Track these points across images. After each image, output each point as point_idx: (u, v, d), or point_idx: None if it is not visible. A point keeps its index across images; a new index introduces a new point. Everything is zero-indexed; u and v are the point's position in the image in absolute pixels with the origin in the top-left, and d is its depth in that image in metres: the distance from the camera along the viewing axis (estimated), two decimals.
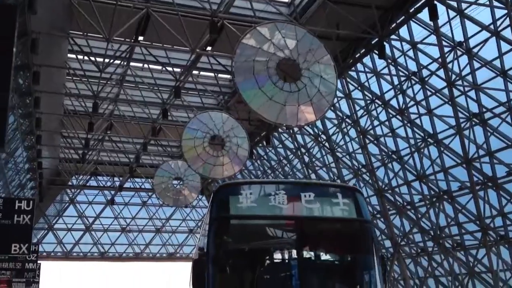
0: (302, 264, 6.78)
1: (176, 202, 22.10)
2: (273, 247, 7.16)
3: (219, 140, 16.19)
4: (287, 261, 7.08)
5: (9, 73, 7.12)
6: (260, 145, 26.78)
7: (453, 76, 16.92)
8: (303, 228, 6.99)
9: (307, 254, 7.12)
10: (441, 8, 15.19)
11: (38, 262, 27.68)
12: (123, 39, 18.22)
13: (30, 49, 14.86)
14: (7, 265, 23.36)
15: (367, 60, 19.32)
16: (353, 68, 19.92)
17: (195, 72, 21.20)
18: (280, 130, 25.26)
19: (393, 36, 17.42)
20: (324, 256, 7.53)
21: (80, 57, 20.07)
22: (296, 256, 6.90)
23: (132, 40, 18.01)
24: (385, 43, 16.09)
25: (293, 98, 10.63)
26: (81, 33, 16.91)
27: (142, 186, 37.85)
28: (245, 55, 10.63)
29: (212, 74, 21.81)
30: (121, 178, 32.79)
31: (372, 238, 7.27)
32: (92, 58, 19.00)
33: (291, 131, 23.79)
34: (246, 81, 10.46)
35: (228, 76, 22.28)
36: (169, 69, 19.85)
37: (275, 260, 7.25)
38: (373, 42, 17.27)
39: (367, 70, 19.78)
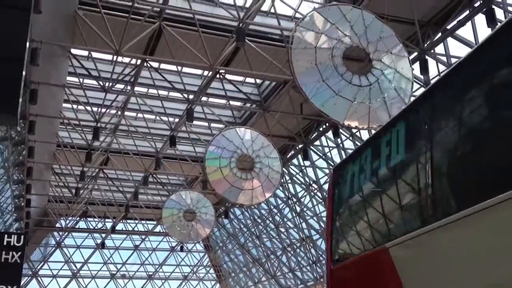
0: None
1: (186, 237, 19.86)
2: None
3: (249, 160, 14.20)
4: None
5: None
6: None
7: None
8: None
9: None
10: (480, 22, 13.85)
11: None
12: (129, 59, 16.87)
13: (30, 61, 13.10)
14: None
15: None
16: None
17: (204, 98, 19.61)
18: None
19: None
20: None
21: (80, 80, 18.35)
22: None
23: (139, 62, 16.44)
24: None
25: (363, 94, 8.95)
26: (85, 48, 15.43)
27: (136, 229, 35.45)
28: (305, 42, 8.95)
29: (222, 101, 20.25)
30: (114, 219, 30.48)
31: None
32: (95, 82, 17.38)
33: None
34: (306, 72, 8.76)
35: (238, 104, 20.74)
36: (179, 94, 18.12)
37: None
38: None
39: None
